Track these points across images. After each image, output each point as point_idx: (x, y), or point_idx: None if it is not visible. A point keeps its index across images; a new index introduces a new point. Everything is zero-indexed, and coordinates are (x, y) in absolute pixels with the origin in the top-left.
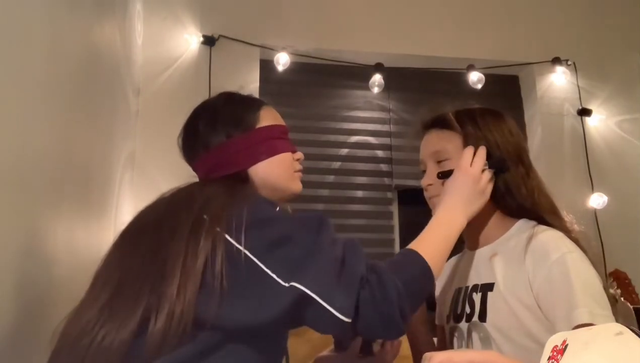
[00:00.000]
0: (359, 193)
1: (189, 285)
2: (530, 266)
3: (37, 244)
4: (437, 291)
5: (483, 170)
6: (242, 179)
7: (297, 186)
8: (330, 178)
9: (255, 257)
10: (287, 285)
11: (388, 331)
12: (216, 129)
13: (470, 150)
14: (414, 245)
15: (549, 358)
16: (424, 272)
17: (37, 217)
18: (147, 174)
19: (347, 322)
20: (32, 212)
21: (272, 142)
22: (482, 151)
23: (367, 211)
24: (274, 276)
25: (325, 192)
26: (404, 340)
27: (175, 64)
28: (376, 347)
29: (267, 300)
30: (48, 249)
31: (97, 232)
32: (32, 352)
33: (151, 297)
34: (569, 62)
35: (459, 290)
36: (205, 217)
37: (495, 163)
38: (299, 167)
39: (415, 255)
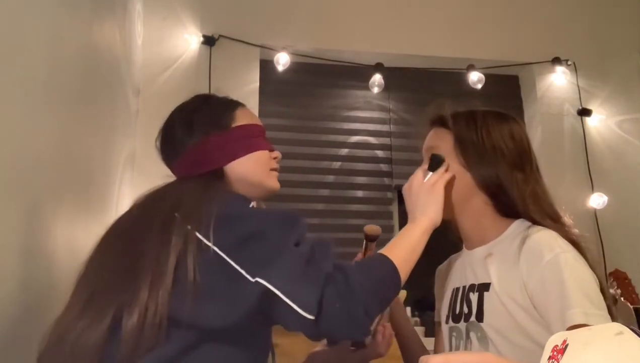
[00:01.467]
0: (359, 193)
1: (161, 283)
2: (525, 267)
3: (37, 244)
4: (436, 289)
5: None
6: (218, 177)
7: (273, 183)
8: (330, 178)
9: (224, 253)
10: (252, 280)
11: (353, 330)
12: (192, 130)
13: (419, 172)
14: (383, 251)
15: (549, 358)
16: (392, 275)
17: (37, 217)
18: (147, 173)
19: (310, 319)
20: (32, 212)
21: (249, 140)
22: (418, 172)
23: (367, 211)
24: (242, 272)
25: (325, 192)
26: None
27: (175, 64)
28: (368, 339)
29: (235, 299)
30: (48, 249)
31: (97, 232)
32: (33, 351)
33: (124, 296)
34: (569, 62)
35: (456, 290)
36: (176, 215)
37: (433, 165)
38: (275, 165)
39: (384, 258)
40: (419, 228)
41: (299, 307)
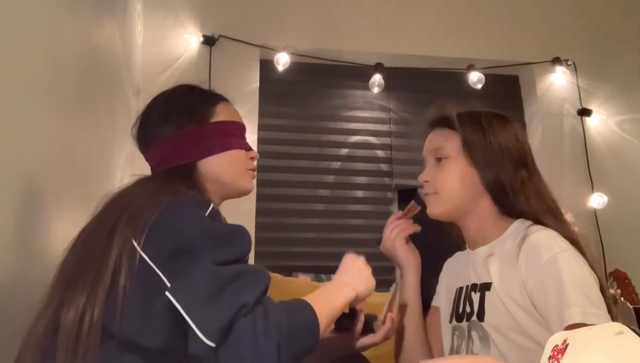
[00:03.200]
0: (359, 193)
1: (100, 285)
2: (523, 267)
3: (36, 244)
4: (441, 278)
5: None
6: (187, 173)
7: (247, 184)
8: (330, 178)
9: (152, 262)
10: (165, 293)
11: None
12: (168, 119)
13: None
14: (309, 299)
15: (550, 357)
16: (313, 326)
17: (37, 217)
18: (147, 174)
19: (209, 346)
20: (32, 211)
21: (225, 138)
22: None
23: (367, 211)
24: (166, 282)
25: (325, 192)
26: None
27: (175, 64)
28: (377, 325)
29: (152, 313)
30: (48, 249)
31: None
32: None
33: (67, 292)
34: (569, 62)
35: (459, 290)
36: (124, 216)
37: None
38: (252, 165)
39: (310, 308)
40: (345, 297)
41: (200, 330)
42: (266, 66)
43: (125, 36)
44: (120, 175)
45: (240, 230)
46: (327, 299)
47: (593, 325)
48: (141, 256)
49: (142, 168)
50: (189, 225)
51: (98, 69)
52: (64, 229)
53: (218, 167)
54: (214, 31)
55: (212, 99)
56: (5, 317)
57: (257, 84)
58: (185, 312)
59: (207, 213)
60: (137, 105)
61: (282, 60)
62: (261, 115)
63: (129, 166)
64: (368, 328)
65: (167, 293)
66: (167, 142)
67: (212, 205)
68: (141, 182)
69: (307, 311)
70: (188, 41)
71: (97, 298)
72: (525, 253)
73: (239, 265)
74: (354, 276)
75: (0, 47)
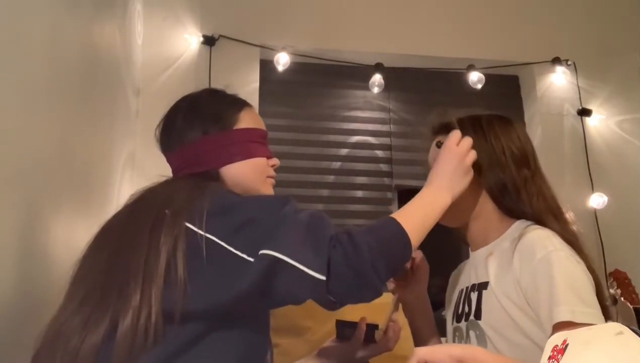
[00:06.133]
0: (359, 193)
1: (152, 284)
2: (518, 265)
3: (37, 244)
4: (447, 294)
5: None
6: (212, 178)
7: (267, 192)
8: (330, 178)
9: (220, 240)
10: (253, 259)
11: (363, 290)
12: (193, 124)
13: (457, 132)
14: (394, 215)
15: (550, 357)
16: (400, 237)
17: (37, 217)
18: (147, 174)
19: (321, 280)
20: (32, 212)
21: (248, 145)
22: (468, 139)
23: (367, 211)
24: (243, 255)
25: (325, 192)
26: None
27: (175, 64)
28: (378, 334)
29: (237, 277)
30: (48, 249)
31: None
32: (31, 352)
33: (118, 301)
34: (569, 62)
35: (461, 291)
36: (166, 212)
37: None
38: (272, 173)
39: (393, 221)
40: (440, 204)
41: (309, 268)
42: (266, 66)
43: (125, 36)
44: (120, 175)
45: (284, 196)
46: (417, 209)
47: (581, 323)
48: (206, 237)
49: (142, 168)
50: (244, 201)
51: (98, 69)
52: (63, 229)
53: (240, 174)
54: (214, 31)
55: (237, 104)
56: (4, 317)
57: (257, 84)
58: (291, 258)
59: None
60: (137, 105)
61: (282, 60)
62: (261, 115)
63: (129, 166)
64: (369, 338)
65: (264, 251)
66: (191, 147)
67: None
68: (171, 182)
69: (392, 226)
70: (188, 41)
71: (152, 299)
72: (520, 252)
73: (304, 212)
74: (456, 178)
75: (0, 47)
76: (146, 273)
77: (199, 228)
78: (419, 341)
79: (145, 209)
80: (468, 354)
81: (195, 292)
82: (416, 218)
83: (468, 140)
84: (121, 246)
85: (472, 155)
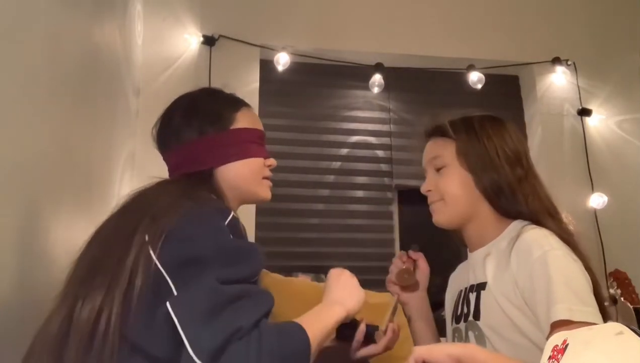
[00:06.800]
0: (359, 193)
1: (116, 285)
2: (515, 265)
3: (36, 244)
4: (446, 295)
5: None
6: (205, 178)
7: (264, 193)
8: (330, 178)
9: (163, 268)
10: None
11: None
12: (190, 124)
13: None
14: (302, 322)
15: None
16: (304, 351)
17: (37, 217)
18: (147, 174)
19: None
20: (32, 212)
21: (245, 145)
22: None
23: (367, 211)
24: (173, 290)
25: (325, 192)
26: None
27: (175, 64)
28: (378, 334)
29: (155, 323)
30: (48, 249)
31: None
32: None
33: (83, 288)
34: (569, 62)
35: (460, 292)
36: (145, 219)
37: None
38: (268, 173)
39: (303, 332)
40: (335, 317)
41: (192, 348)
42: (266, 66)
43: (125, 36)
44: (120, 175)
45: (253, 249)
46: (319, 321)
47: (579, 322)
48: (155, 262)
49: (142, 168)
50: (204, 235)
51: (98, 69)
52: (63, 229)
53: (236, 174)
54: (214, 31)
55: (234, 104)
56: (5, 318)
57: (257, 84)
58: (181, 326)
59: (226, 222)
60: (137, 105)
61: (282, 60)
62: (261, 115)
63: (129, 166)
64: (369, 339)
65: (167, 304)
66: (187, 147)
67: (232, 214)
68: (163, 185)
69: (300, 336)
70: (188, 41)
71: (115, 299)
72: (517, 251)
73: (243, 286)
74: (341, 293)
75: (0, 47)
76: (114, 274)
77: (154, 251)
78: (419, 341)
79: (131, 211)
80: (466, 353)
81: (138, 320)
82: (318, 330)
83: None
84: (101, 249)
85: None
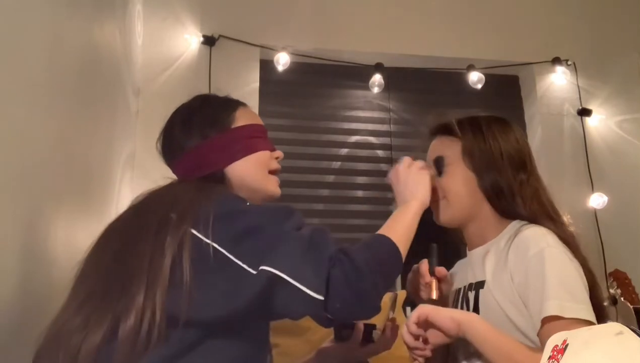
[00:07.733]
0: (359, 193)
1: (157, 286)
2: (512, 262)
3: (37, 244)
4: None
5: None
6: (218, 180)
7: (274, 188)
8: (330, 178)
9: (223, 248)
10: (255, 272)
11: (364, 308)
12: (191, 131)
13: (407, 158)
14: (381, 231)
15: (550, 357)
16: (394, 252)
17: (37, 217)
18: (147, 173)
19: (319, 300)
20: (32, 212)
21: (249, 141)
22: (405, 159)
23: (367, 211)
24: (244, 266)
25: (325, 192)
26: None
27: (175, 64)
28: (376, 334)
29: (237, 289)
30: (48, 249)
31: (97, 232)
32: (32, 352)
33: (120, 301)
34: (569, 62)
35: (459, 291)
36: (172, 215)
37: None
38: (276, 165)
39: (383, 237)
40: (412, 211)
41: (308, 287)
42: (266, 66)
43: (125, 36)
44: (120, 175)
45: (287, 205)
46: (398, 223)
47: (570, 318)
48: (211, 245)
49: (142, 168)
50: (248, 209)
51: (98, 69)
52: (63, 229)
53: (244, 171)
54: (214, 31)
55: (231, 105)
56: (4, 317)
57: (257, 84)
58: (290, 276)
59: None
60: (137, 105)
61: (282, 60)
62: (261, 115)
63: (129, 166)
64: (367, 338)
65: (263, 267)
66: (193, 153)
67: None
68: (176, 185)
69: (385, 243)
70: (188, 41)
71: (156, 300)
72: (514, 249)
73: (306, 228)
74: (412, 188)
75: (1, 47)
76: (150, 274)
77: (204, 235)
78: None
79: (150, 212)
80: (466, 319)
81: (198, 299)
82: (400, 230)
83: (406, 159)
84: (125, 247)
85: (418, 162)
